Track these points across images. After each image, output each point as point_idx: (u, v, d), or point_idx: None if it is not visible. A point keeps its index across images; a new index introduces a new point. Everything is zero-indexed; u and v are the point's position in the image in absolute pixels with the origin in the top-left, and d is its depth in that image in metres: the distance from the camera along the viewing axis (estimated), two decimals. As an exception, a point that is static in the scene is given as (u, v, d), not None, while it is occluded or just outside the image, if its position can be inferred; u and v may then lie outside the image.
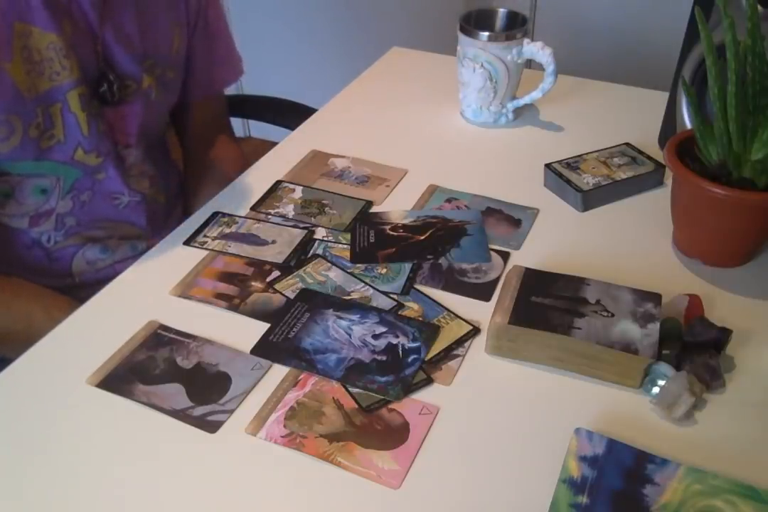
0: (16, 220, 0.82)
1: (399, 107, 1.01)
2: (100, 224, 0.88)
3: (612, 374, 0.60)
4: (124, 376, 0.61)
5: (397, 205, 0.82)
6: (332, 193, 0.83)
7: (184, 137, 1.06)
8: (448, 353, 0.63)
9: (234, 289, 0.70)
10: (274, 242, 0.75)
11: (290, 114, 1.13)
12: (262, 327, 0.65)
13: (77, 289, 0.89)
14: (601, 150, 0.87)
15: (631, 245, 0.75)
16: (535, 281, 0.64)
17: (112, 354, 0.63)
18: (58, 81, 0.75)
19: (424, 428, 0.57)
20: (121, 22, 0.80)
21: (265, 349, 0.63)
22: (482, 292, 0.69)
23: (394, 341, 0.63)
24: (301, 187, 0.84)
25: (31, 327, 0.76)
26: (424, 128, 0.97)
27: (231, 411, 0.58)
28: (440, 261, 0.73)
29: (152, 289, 0.70)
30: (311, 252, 0.74)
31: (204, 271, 0.72)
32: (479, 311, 0.67)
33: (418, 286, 0.70)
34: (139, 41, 0.83)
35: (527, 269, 0.66)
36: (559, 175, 0.82)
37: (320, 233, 0.77)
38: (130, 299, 0.69)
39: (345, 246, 0.75)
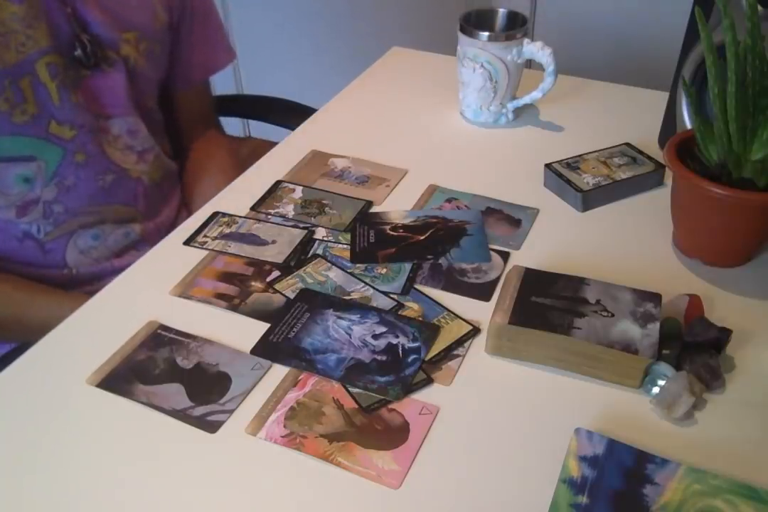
0: (2, 211, 0.81)
1: (399, 107, 1.01)
2: (89, 208, 0.87)
3: (612, 374, 0.60)
4: (124, 376, 0.61)
5: (397, 205, 0.82)
6: (332, 193, 0.83)
7: (172, 130, 1.06)
8: (448, 353, 0.63)
9: (234, 289, 0.70)
10: (274, 242, 0.75)
11: (290, 114, 1.13)
12: (262, 327, 0.65)
13: (76, 284, 0.89)
14: (601, 150, 0.87)
15: (631, 245, 0.75)
16: (535, 281, 0.64)
17: (112, 354, 0.63)
18: (24, 52, 0.74)
19: (424, 428, 0.57)
20: None
21: (265, 349, 0.63)
22: (482, 292, 0.69)
23: (394, 341, 0.63)
24: (301, 187, 0.84)
25: (26, 317, 0.77)
26: (424, 128, 0.97)
27: (231, 411, 0.58)
28: (440, 261, 0.73)
29: (152, 289, 0.70)
30: (311, 252, 0.74)
31: (204, 271, 0.72)
32: (479, 311, 0.67)
33: (418, 286, 0.70)
34: (114, 7, 0.82)
35: (527, 269, 0.66)
36: (559, 175, 0.82)
37: (320, 233, 0.77)
38: (130, 299, 0.69)
39: (345, 246, 0.75)
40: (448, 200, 0.82)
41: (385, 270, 0.72)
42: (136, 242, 0.93)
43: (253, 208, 0.81)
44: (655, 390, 0.58)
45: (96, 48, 0.81)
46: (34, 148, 0.79)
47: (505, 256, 0.74)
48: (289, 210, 0.81)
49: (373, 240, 0.76)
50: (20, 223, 0.83)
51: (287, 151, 0.92)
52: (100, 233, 0.89)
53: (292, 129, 0.97)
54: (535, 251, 0.75)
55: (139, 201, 0.93)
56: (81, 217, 0.87)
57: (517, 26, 0.91)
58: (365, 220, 0.79)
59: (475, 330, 0.65)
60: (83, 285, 0.90)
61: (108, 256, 0.91)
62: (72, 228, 0.87)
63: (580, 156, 0.85)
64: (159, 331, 0.65)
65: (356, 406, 0.58)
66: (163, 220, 0.98)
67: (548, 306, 0.62)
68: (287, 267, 0.72)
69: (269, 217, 0.80)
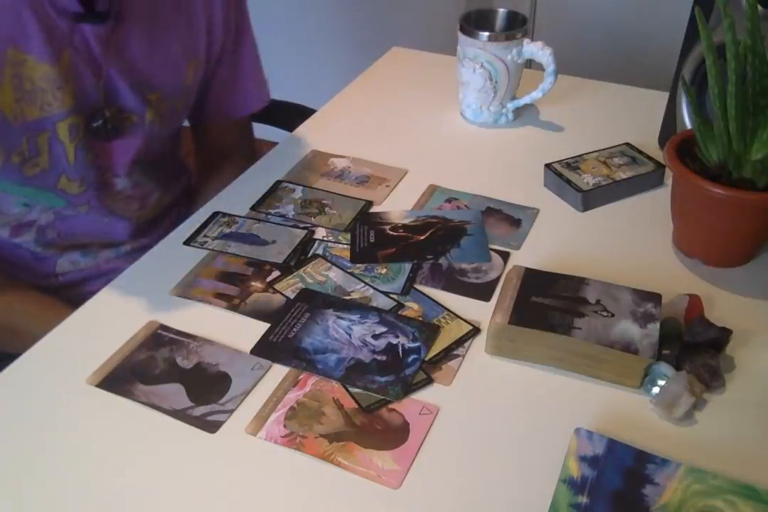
0: None
1: (399, 107, 1.01)
2: (81, 238, 0.88)
3: (612, 374, 0.60)
4: (124, 376, 0.61)
5: (397, 205, 0.82)
6: (332, 193, 0.83)
7: (197, 149, 1.04)
8: (448, 353, 0.63)
9: (234, 289, 0.70)
10: (274, 242, 0.75)
11: (290, 114, 1.13)
12: (262, 327, 0.65)
13: (62, 289, 0.89)
14: (601, 150, 0.87)
15: (631, 245, 0.75)
16: (535, 281, 0.64)
17: (112, 354, 0.63)
18: (48, 111, 0.73)
19: (424, 428, 0.57)
20: (130, 54, 0.77)
21: (265, 349, 0.63)
22: (482, 292, 0.69)
23: (394, 341, 0.63)
24: (301, 187, 0.84)
25: (12, 322, 0.77)
26: (424, 128, 0.97)
27: (231, 411, 0.58)
28: (440, 261, 0.73)
29: (152, 289, 0.70)
30: (311, 252, 0.74)
31: (204, 271, 0.72)
32: (479, 311, 0.67)
33: (418, 286, 0.70)
34: (147, 75, 0.80)
35: (527, 269, 0.66)
36: (559, 175, 0.82)
37: (320, 233, 0.77)
38: (130, 299, 0.69)
39: (345, 246, 0.75)
40: (448, 200, 0.82)
41: (385, 270, 0.72)
42: (126, 254, 0.93)
43: (253, 208, 0.81)
44: (655, 390, 0.58)
45: (117, 119, 0.79)
46: (38, 198, 0.79)
47: (505, 256, 0.74)
48: (289, 210, 0.80)
49: (373, 240, 0.76)
50: (11, 240, 0.83)
51: (287, 151, 0.92)
52: (90, 252, 0.89)
53: (292, 129, 0.97)
54: (535, 251, 0.75)
55: (132, 234, 0.92)
56: (71, 241, 0.87)
57: (517, 26, 0.91)
58: (365, 219, 0.79)
59: (475, 330, 0.65)
60: (68, 290, 0.90)
61: (96, 266, 0.91)
62: (61, 249, 0.87)
63: (580, 156, 0.85)
64: (159, 331, 0.65)
65: (356, 406, 0.58)
66: (155, 237, 0.96)
67: (548, 306, 0.61)
68: (287, 267, 0.72)
69: (269, 216, 0.80)
